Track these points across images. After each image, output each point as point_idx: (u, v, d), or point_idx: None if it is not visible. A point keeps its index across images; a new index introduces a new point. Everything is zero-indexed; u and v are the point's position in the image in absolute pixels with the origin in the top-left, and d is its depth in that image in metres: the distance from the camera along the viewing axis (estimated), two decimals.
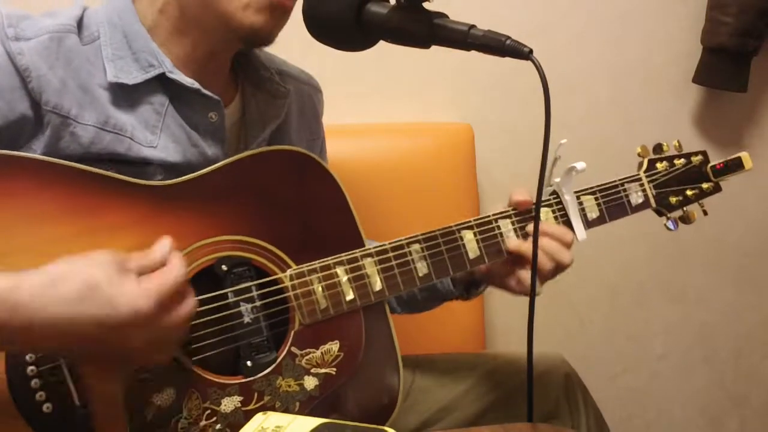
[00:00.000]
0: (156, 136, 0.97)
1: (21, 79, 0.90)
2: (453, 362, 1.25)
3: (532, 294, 0.96)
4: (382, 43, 0.93)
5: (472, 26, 0.87)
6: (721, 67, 1.69)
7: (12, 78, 0.90)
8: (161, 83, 0.98)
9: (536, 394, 0.99)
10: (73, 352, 0.80)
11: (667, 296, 1.87)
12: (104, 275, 0.76)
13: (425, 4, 0.88)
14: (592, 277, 1.81)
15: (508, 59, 0.87)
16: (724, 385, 1.94)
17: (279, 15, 0.96)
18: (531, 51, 0.85)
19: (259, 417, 0.75)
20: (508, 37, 0.86)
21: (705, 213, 1.21)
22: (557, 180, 1.10)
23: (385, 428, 0.72)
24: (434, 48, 0.90)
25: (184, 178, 0.94)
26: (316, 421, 0.72)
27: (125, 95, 0.96)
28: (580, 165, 1.08)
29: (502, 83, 1.66)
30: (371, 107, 1.63)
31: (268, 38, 0.98)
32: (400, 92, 1.65)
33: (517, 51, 0.86)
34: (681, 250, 1.84)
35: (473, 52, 0.88)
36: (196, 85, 0.98)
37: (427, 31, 0.88)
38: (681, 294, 1.87)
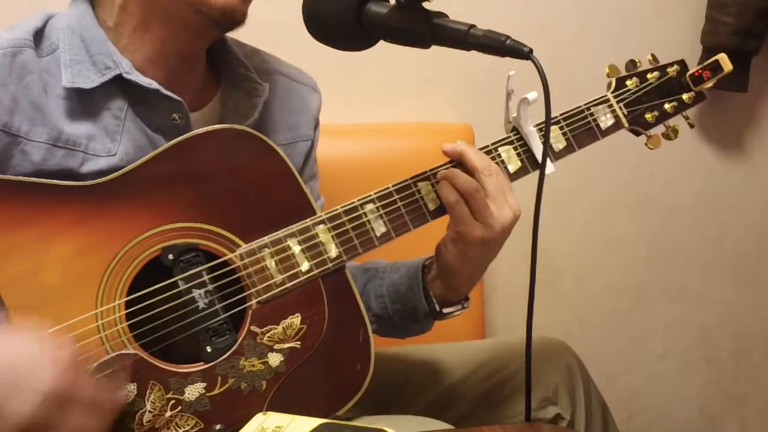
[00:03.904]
0: (116, 143, 0.95)
1: None
2: (453, 351, 1.24)
3: (532, 281, 0.95)
4: (382, 43, 0.93)
5: (472, 26, 0.87)
6: None
7: None
8: (120, 87, 0.96)
9: (535, 378, 0.97)
10: None
11: (667, 296, 1.86)
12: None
13: (425, 4, 0.88)
14: (592, 277, 1.81)
15: (508, 59, 0.87)
16: (723, 385, 1.94)
17: None
18: (531, 51, 0.85)
19: (259, 417, 0.74)
20: (508, 37, 0.86)
21: (691, 126, 1.12)
22: (514, 115, 1.06)
23: (385, 429, 0.72)
24: (434, 48, 0.90)
25: (116, 174, 0.92)
26: (316, 422, 0.72)
27: (83, 102, 0.95)
28: (531, 95, 1.03)
29: (502, 83, 1.65)
30: (371, 107, 1.63)
31: (241, 19, 0.97)
32: (400, 92, 1.65)
33: (517, 51, 0.86)
34: (681, 251, 1.84)
35: (473, 52, 0.88)
36: (155, 85, 0.96)
37: (427, 31, 0.88)
38: (681, 294, 1.87)
